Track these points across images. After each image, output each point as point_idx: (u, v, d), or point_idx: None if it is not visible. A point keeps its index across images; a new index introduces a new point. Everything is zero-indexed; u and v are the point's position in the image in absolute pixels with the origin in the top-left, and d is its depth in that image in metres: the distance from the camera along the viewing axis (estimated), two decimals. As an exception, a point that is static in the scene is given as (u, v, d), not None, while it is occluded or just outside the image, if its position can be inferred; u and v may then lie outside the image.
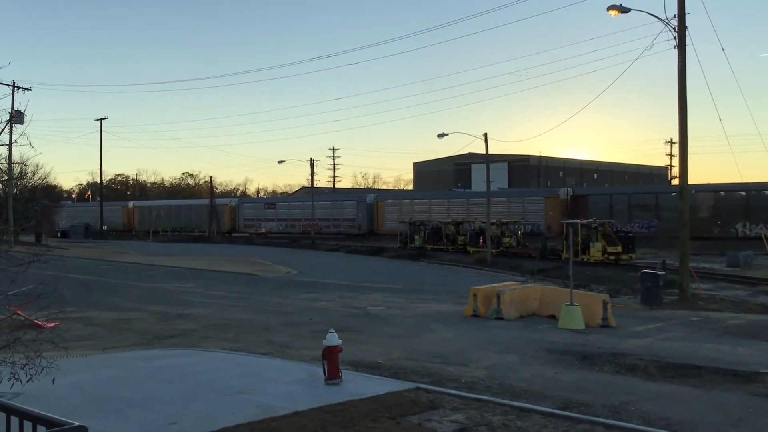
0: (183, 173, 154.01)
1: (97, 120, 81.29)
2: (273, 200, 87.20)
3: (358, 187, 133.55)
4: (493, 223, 45.28)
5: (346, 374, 11.17)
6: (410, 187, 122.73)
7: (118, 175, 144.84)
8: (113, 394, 10.25)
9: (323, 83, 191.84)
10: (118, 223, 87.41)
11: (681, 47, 23.48)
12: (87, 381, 11.16)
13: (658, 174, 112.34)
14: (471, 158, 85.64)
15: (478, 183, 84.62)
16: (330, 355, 10.79)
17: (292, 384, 10.96)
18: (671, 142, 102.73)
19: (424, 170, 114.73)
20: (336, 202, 72.75)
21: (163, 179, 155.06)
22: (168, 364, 12.79)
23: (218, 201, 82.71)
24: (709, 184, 53.35)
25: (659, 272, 24.20)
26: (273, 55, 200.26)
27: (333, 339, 10.86)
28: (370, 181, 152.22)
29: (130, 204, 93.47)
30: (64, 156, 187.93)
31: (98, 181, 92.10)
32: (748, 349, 14.79)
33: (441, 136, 43.62)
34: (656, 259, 36.30)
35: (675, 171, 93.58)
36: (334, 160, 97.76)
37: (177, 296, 25.96)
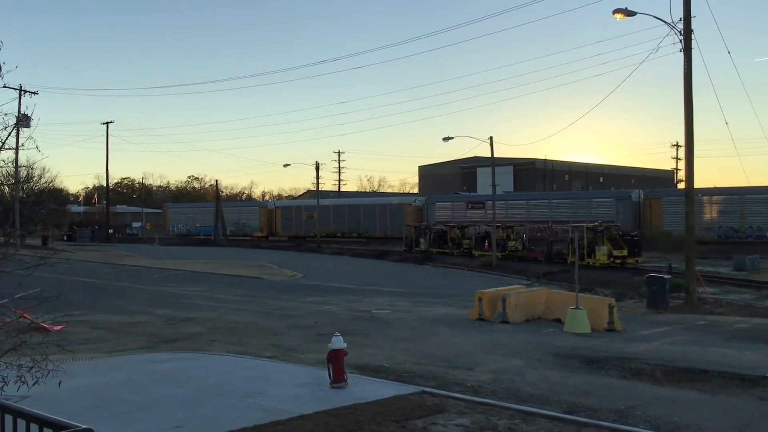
0: (189, 176, 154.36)
1: (104, 123, 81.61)
2: (479, 197, 68.94)
3: (363, 190, 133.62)
4: (498, 227, 45.23)
5: (352, 377, 11.16)
6: (416, 190, 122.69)
7: (125, 178, 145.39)
8: (119, 397, 10.27)
9: (329, 87, 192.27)
10: (253, 227, 76.38)
11: (687, 50, 23.43)
12: (93, 384, 11.18)
13: (665, 177, 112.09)
14: (476, 162, 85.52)
15: (483, 186, 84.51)
16: (335, 359, 10.79)
17: (297, 387, 10.97)
18: (677, 146, 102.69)
19: (429, 174, 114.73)
20: (581, 200, 57.75)
21: (168, 182, 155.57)
22: (174, 368, 12.81)
23: (399, 200, 72.63)
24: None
25: (665, 276, 24.13)
26: (279, 59, 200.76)
27: (338, 342, 10.86)
28: (375, 184, 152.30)
29: (271, 204, 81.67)
30: (70, 159, 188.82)
31: (104, 185, 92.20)
32: (754, 353, 14.73)
33: (446, 139, 43.63)
34: (662, 263, 36.19)
35: (681, 174, 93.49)
36: (339, 163, 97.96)
37: (183, 299, 25.99)
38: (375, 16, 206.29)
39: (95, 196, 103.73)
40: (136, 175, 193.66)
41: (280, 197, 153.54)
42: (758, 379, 11.90)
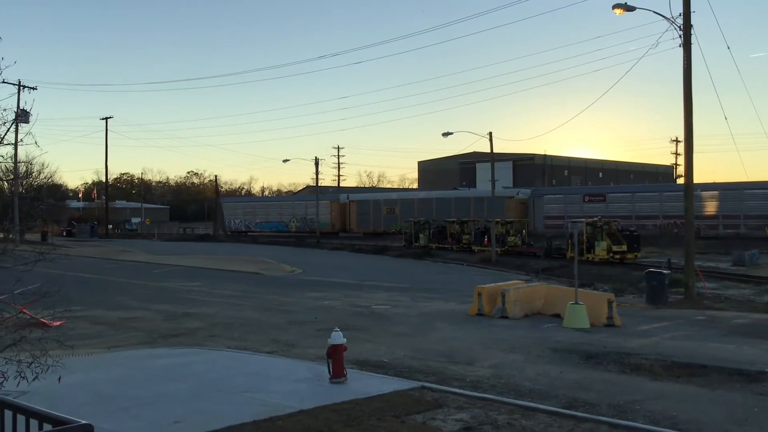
0: (188, 172, 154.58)
1: (103, 119, 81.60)
2: (599, 190, 63.03)
3: (363, 186, 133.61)
4: (497, 222, 45.24)
5: (351, 373, 11.17)
6: (415, 185, 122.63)
7: (124, 173, 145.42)
8: (119, 393, 10.28)
9: (328, 82, 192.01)
10: (323, 222, 70.18)
11: (686, 46, 23.41)
12: (93, 379, 11.19)
13: (664, 173, 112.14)
14: (476, 157, 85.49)
15: (482, 182, 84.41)
16: (335, 354, 10.80)
17: (297, 383, 10.98)
18: (677, 141, 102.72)
19: (428, 169, 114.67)
20: (732, 192, 51.22)
21: (168, 178, 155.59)
22: (173, 363, 12.82)
23: (501, 192, 61.88)
24: None
25: (664, 271, 24.15)
26: (278, 54, 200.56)
27: (338, 338, 10.86)
28: (375, 180, 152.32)
29: (344, 197, 74.85)
30: (69, 155, 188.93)
31: (104, 180, 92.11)
32: (753, 348, 14.75)
33: (446, 134, 43.61)
34: (662, 258, 36.21)
35: (680, 170, 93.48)
36: (338, 159, 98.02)
37: (183, 295, 26.01)
38: (375, 11, 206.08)
39: (94, 192, 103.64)
40: (136, 170, 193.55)
41: (279, 192, 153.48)
42: (757, 374, 11.91)
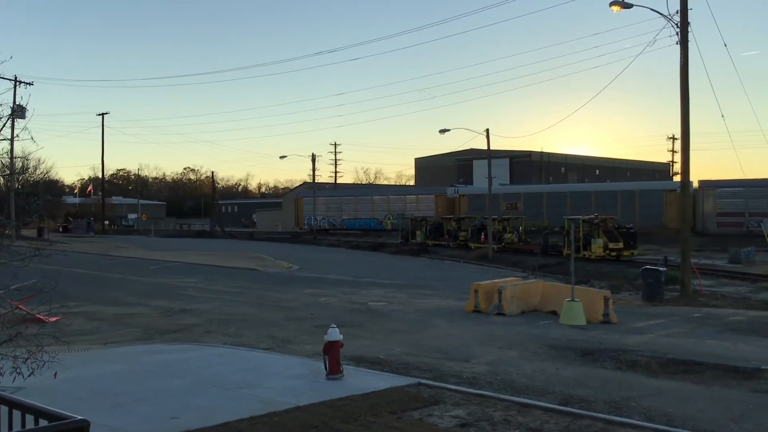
0: (185, 168, 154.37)
1: (99, 115, 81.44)
2: None
3: (360, 183, 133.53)
4: (494, 219, 45.25)
5: (348, 369, 11.19)
6: (411, 182, 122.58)
7: (120, 169, 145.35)
8: (115, 389, 10.27)
9: (325, 79, 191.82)
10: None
11: (683, 43, 23.41)
12: (89, 375, 11.19)
13: (660, 170, 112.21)
14: (472, 154, 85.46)
15: (479, 179, 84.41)
16: (331, 350, 10.81)
17: (293, 379, 10.98)
18: (673, 138, 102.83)
19: (425, 166, 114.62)
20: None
21: (164, 174, 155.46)
22: (170, 359, 12.82)
23: (651, 185, 57.29)
24: None
25: (661, 268, 24.18)
26: (275, 50, 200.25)
27: (334, 334, 10.87)
28: (372, 176, 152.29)
29: (451, 191, 66.68)
30: (65, 151, 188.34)
31: (100, 176, 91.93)
32: (749, 345, 14.79)
33: (443, 131, 43.61)
34: (658, 256, 36.26)
35: (677, 167, 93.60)
36: (335, 155, 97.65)
37: (179, 291, 25.98)
38: (371, 8, 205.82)
39: (90, 187, 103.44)
40: (132, 166, 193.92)
41: (276, 189, 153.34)
42: (753, 371, 11.95)
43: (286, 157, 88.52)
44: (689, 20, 23.44)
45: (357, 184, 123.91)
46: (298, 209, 72.80)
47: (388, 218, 65.12)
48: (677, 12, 23.41)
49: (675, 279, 24.77)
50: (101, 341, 15.41)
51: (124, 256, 45.40)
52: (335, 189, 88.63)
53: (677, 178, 72.32)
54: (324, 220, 69.12)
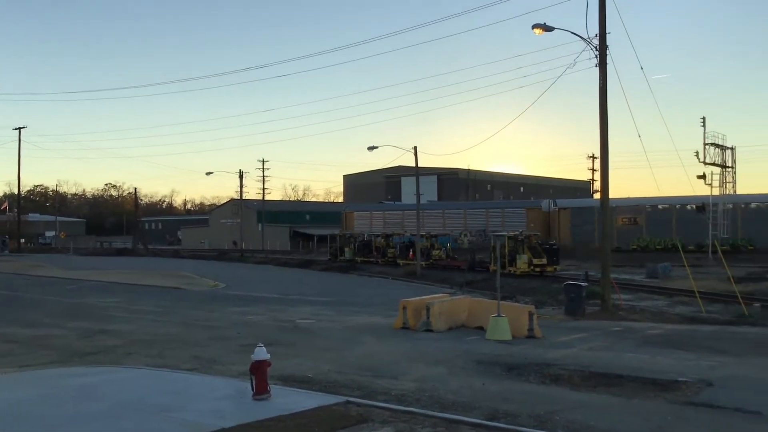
0: (106, 184, 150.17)
1: (16, 129, 78.44)
2: None
3: (288, 200, 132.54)
4: (422, 236, 45.64)
5: (275, 389, 11.02)
6: (340, 199, 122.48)
7: (38, 185, 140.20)
8: (30, 413, 9.82)
9: (253, 95, 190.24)
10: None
11: (602, 65, 24.26)
12: (1, 400, 10.66)
13: (581, 188, 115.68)
14: (401, 171, 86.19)
15: (408, 195, 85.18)
16: (258, 370, 10.62)
17: (219, 400, 10.74)
18: (593, 157, 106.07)
19: (354, 183, 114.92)
20: None
21: (84, 190, 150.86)
22: (89, 382, 12.34)
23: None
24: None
25: (582, 283, 24.83)
26: (200, 66, 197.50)
27: (261, 353, 10.69)
28: (300, 193, 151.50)
29: (545, 204, 59.37)
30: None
31: (16, 192, 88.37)
32: (666, 358, 15.30)
33: (371, 148, 43.85)
34: (580, 271, 37.27)
35: (597, 185, 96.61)
36: (263, 171, 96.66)
37: (99, 311, 25.12)
38: (297, 25, 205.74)
39: (5, 204, 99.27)
40: (50, 182, 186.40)
41: (202, 205, 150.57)
42: (670, 383, 12.35)
43: (212, 173, 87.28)
44: (607, 44, 24.34)
45: (285, 200, 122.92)
46: (347, 224, 65.88)
47: (464, 235, 57.21)
48: (596, 35, 24.27)
49: (596, 294, 25.48)
50: (15, 364, 14.73)
51: (42, 275, 43.67)
52: (263, 206, 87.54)
53: (597, 196, 74.65)
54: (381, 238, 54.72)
